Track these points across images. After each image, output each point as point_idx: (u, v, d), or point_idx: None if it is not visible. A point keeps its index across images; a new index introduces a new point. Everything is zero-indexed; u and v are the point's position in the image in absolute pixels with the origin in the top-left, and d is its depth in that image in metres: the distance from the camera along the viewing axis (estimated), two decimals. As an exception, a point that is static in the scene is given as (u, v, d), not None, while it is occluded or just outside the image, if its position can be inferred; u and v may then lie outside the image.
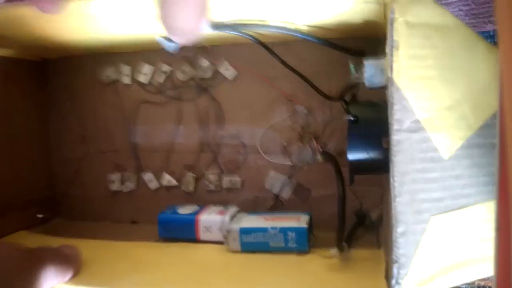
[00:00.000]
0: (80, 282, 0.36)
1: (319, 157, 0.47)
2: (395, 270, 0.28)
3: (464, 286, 0.38)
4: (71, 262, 0.37)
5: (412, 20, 0.28)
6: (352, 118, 0.33)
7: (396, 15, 0.28)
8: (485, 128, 0.29)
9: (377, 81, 0.34)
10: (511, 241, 0.20)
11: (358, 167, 0.34)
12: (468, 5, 0.45)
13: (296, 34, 0.39)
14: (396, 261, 0.28)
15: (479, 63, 0.29)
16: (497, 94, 0.23)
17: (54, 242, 0.40)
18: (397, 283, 0.28)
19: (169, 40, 0.44)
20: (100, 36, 0.45)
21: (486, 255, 0.29)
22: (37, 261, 0.33)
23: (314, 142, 0.47)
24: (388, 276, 0.32)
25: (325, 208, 0.47)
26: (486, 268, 0.30)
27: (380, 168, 0.34)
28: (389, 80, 0.28)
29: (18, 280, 0.31)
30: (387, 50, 0.28)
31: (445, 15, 0.29)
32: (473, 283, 0.38)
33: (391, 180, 0.28)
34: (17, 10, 0.35)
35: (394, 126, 0.28)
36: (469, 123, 0.29)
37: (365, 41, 0.41)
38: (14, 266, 0.32)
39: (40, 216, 0.52)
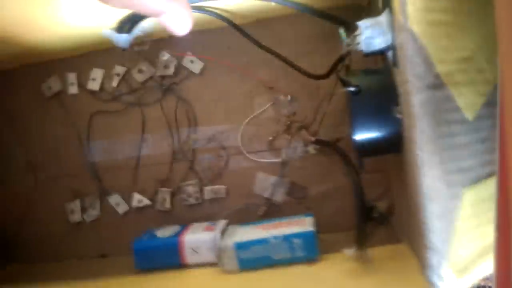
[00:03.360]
0: None
1: (312, 148, 0.41)
2: (432, 260, 0.23)
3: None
4: None
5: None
6: (353, 90, 0.27)
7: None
8: (501, 83, 0.25)
9: (377, 43, 0.28)
10: (511, 241, 0.19)
11: (369, 147, 0.28)
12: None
13: (274, 1, 0.33)
14: (433, 249, 0.23)
15: (492, 10, 0.25)
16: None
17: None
18: (438, 276, 0.22)
19: (119, 30, 0.37)
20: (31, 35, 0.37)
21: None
22: None
23: (304, 131, 0.41)
24: (423, 271, 0.26)
25: (326, 206, 0.42)
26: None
27: (392, 146, 0.29)
28: (402, 28, 0.23)
29: None
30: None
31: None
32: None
33: (417, 151, 0.23)
34: None
35: (416, 84, 0.23)
36: (487, 78, 0.25)
37: (345, 10, 0.36)
38: None
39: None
